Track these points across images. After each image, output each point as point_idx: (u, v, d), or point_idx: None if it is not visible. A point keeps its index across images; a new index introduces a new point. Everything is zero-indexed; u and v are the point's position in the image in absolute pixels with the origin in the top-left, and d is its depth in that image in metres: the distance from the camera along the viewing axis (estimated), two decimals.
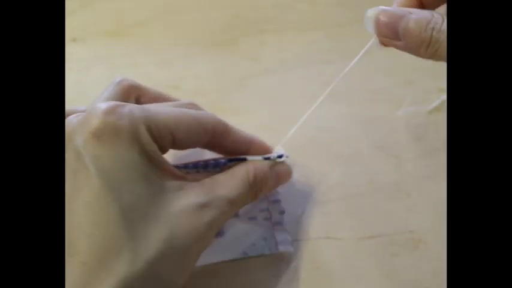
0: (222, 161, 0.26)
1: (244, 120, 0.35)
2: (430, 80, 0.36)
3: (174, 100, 0.29)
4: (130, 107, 0.22)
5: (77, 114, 0.22)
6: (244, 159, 0.26)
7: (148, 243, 0.20)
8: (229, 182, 0.24)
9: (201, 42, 0.40)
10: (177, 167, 0.25)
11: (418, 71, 0.37)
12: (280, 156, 0.27)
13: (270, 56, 0.39)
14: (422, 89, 0.36)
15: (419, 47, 0.23)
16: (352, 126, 0.34)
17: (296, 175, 0.31)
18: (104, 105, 0.22)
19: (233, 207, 0.24)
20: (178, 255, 0.21)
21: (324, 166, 0.32)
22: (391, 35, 0.24)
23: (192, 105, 0.27)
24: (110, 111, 0.21)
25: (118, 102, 0.22)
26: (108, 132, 0.21)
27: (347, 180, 0.31)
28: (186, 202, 0.22)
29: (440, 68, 0.31)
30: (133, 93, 0.28)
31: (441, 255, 0.28)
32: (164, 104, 0.26)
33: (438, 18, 0.22)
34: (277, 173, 0.27)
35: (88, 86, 0.38)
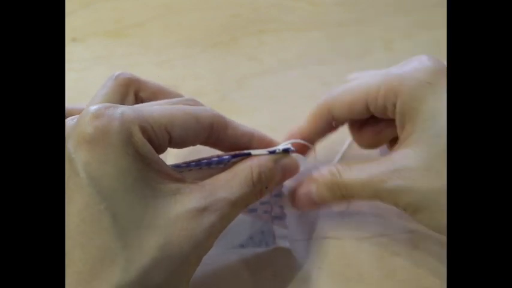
0: (226, 157, 0.25)
1: (244, 120, 0.35)
2: None
3: (175, 94, 0.29)
4: (122, 108, 0.21)
5: (74, 116, 0.22)
6: (249, 154, 0.25)
7: (142, 252, 0.20)
8: (231, 182, 0.23)
9: (201, 42, 0.40)
10: (178, 166, 0.24)
11: None
12: (286, 150, 0.26)
13: (269, 56, 0.39)
14: None
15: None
16: None
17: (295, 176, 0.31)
18: (93, 108, 0.21)
19: (235, 208, 0.23)
20: (174, 263, 0.21)
21: (324, 166, 0.32)
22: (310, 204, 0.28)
23: (192, 102, 0.26)
24: (99, 115, 0.20)
25: (109, 104, 0.21)
26: (98, 137, 0.20)
27: None
28: (183, 207, 0.21)
29: None
30: (132, 88, 0.27)
31: (441, 255, 0.28)
32: (159, 101, 0.25)
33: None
34: (283, 167, 0.26)
35: (88, 86, 0.38)
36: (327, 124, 0.28)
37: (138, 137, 0.21)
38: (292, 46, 0.39)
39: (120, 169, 0.20)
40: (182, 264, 0.21)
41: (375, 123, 0.28)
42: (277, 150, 0.26)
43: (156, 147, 0.22)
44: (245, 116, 0.35)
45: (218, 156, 0.25)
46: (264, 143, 0.27)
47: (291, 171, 0.27)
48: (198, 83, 0.38)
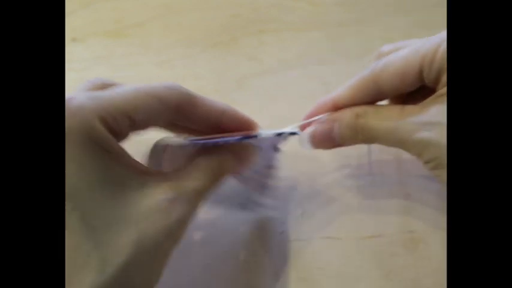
0: (237, 137, 0.24)
1: None
2: None
3: None
4: (80, 100, 0.20)
5: None
6: (256, 136, 0.25)
7: (117, 249, 0.19)
8: (196, 173, 0.23)
9: (201, 42, 0.40)
10: (190, 141, 0.24)
11: None
12: (293, 134, 0.26)
13: (269, 56, 0.39)
14: None
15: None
16: None
17: (296, 175, 0.31)
18: None
19: (201, 197, 0.23)
20: (150, 256, 0.20)
21: (323, 166, 0.32)
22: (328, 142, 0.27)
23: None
24: None
25: (69, 96, 0.20)
26: None
27: (347, 180, 0.31)
28: (154, 199, 0.21)
29: None
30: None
31: (441, 255, 0.28)
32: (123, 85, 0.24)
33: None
34: (240, 157, 0.25)
35: None
36: (369, 97, 0.27)
37: (100, 130, 0.20)
38: (292, 46, 0.39)
39: (83, 167, 0.20)
40: (157, 256, 0.21)
41: (420, 98, 0.26)
42: (284, 133, 0.26)
43: (118, 135, 0.22)
44: None
45: (230, 135, 0.25)
46: (236, 119, 0.26)
47: (246, 161, 0.26)
48: (198, 83, 0.38)
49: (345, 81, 0.37)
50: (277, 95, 0.36)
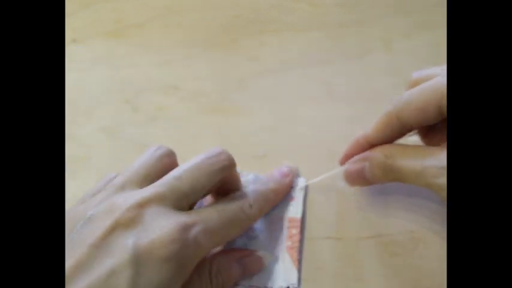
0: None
1: (244, 121, 0.35)
2: None
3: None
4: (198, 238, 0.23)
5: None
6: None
7: None
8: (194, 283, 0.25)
9: (201, 42, 0.40)
10: None
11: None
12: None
13: (270, 56, 0.39)
14: None
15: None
16: (351, 126, 0.34)
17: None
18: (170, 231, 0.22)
19: None
20: None
21: (323, 166, 0.32)
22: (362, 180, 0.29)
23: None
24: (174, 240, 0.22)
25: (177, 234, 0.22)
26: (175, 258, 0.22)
27: None
28: None
29: None
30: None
31: (441, 255, 0.28)
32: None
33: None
34: (245, 266, 0.27)
35: (88, 87, 0.38)
36: (395, 132, 0.28)
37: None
38: (293, 46, 0.39)
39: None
40: None
41: (445, 126, 0.27)
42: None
43: None
44: (245, 116, 0.35)
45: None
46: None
47: (253, 269, 0.28)
48: (198, 83, 0.38)
49: (345, 82, 0.37)
50: (278, 95, 0.36)
